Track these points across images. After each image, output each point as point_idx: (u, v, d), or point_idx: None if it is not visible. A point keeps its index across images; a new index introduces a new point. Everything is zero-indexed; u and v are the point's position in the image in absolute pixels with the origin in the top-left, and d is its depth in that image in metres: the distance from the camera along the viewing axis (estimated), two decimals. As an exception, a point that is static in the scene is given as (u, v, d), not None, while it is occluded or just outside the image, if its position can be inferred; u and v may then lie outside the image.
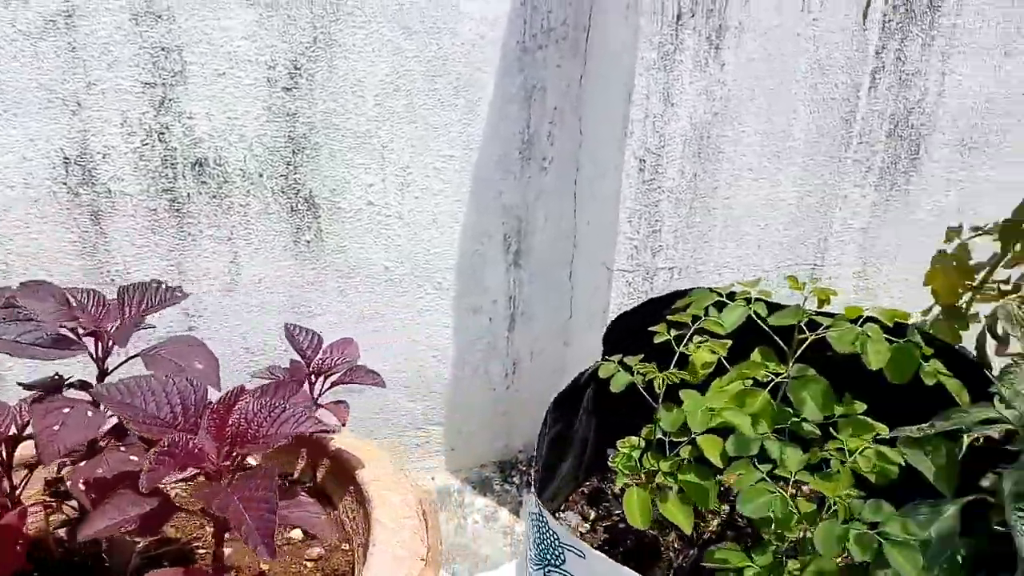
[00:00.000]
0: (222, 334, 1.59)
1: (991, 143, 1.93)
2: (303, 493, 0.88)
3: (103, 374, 0.95)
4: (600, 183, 1.59)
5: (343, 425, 0.96)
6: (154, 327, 1.10)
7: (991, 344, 1.16)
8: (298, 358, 1.12)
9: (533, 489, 0.82)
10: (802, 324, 1.02)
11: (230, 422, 0.82)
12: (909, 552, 0.71)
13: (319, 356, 1.11)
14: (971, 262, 1.27)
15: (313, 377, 1.09)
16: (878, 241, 1.95)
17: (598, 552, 0.73)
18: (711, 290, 1.06)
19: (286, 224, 1.58)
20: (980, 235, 1.25)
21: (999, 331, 1.05)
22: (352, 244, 1.63)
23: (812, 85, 1.54)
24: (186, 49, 1.39)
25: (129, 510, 0.79)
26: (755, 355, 1.06)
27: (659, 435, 0.97)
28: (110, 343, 0.94)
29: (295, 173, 1.55)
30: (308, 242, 1.60)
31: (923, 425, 0.82)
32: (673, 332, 0.98)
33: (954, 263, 1.26)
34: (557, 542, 0.76)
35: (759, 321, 0.99)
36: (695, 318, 0.99)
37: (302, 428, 0.81)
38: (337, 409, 1.01)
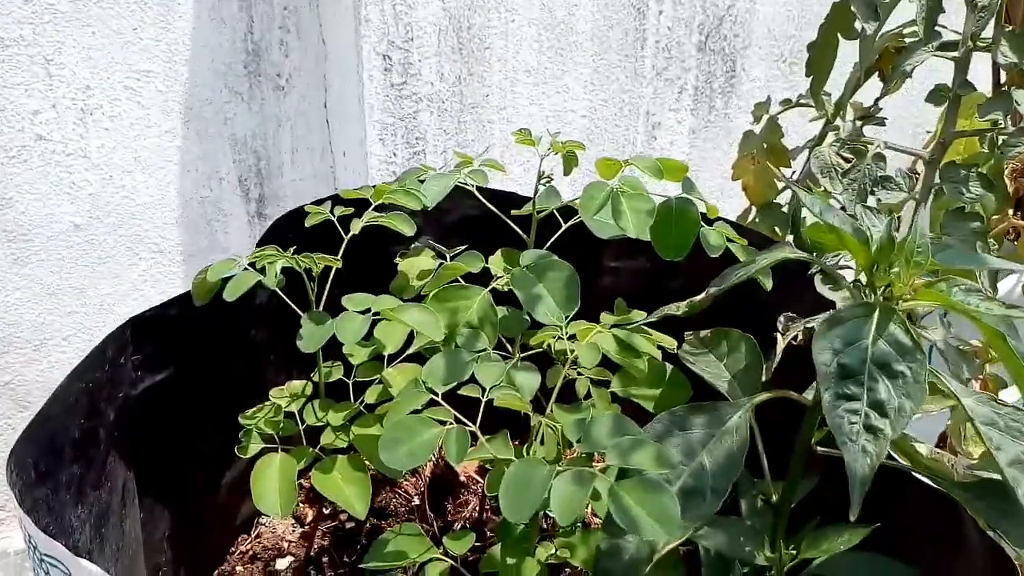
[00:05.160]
0: None
1: (812, 56, 1.74)
2: None
3: None
4: (347, 97, 1.26)
5: None
6: None
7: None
8: None
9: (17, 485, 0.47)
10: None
11: None
12: (657, 498, 0.40)
13: None
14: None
15: None
16: (701, 174, 1.72)
17: (87, 563, 0.39)
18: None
19: (-81, 171, 1.16)
20: (795, 106, 1.00)
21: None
22: (21, 195, 1.22)
23: (592, -39, 1.26)
24: None
25: None
26: (495, 257, 0.74)
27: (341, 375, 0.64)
28: None
29: (-81, 98, 1.13)
30: (-44, 194, 1.19)
31: (693, 299, 0.53)
32: (340, 211, 0.65)
33: (765, 145, 0.99)
34: (39, 556, 0.41)
35: (481, 197, 0.68)
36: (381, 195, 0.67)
37: None
38: None
